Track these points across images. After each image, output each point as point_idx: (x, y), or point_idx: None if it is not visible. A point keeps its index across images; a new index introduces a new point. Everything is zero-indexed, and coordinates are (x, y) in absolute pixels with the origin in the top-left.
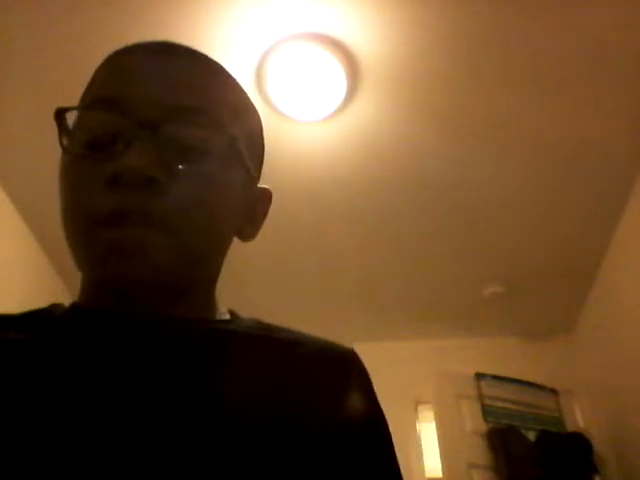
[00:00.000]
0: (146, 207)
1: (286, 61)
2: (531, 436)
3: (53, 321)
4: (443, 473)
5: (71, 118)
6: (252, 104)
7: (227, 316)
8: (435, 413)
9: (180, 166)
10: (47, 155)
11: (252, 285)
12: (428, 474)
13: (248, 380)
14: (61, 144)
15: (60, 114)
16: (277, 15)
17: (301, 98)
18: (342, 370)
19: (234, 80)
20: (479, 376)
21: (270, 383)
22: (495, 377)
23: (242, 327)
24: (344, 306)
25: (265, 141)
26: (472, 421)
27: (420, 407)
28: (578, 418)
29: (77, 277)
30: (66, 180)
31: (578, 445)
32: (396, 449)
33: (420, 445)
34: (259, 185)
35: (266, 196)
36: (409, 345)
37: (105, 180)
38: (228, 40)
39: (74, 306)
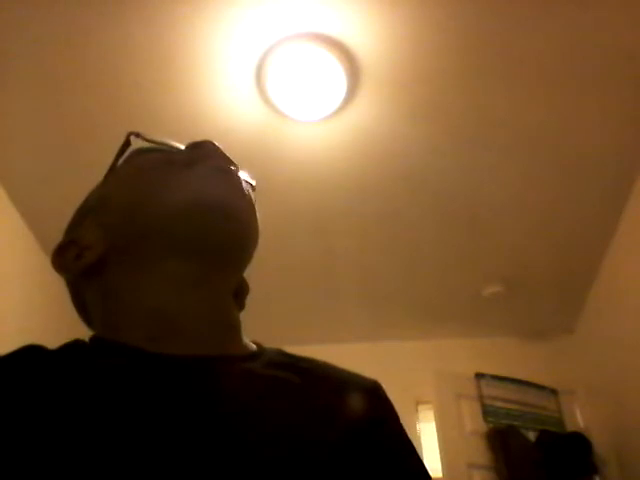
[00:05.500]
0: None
1: (286, 61)
2: (531, 436)
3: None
4: (443, 473)
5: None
6: None
7: (252, 346)
8: (435, 413)
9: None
10: (47, 155)
11: (251, 285)
12: None
13: (272, 419)
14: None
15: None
16: (277, 15)
17: (301, 98)
18: (366, 402)
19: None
20: (479, 376)
21: (293, 420)
22: (495, 377)
23: (267, 362)
24: (344, 306)
25: (265, 141)
26: (472, 421)
27: (420, 407)
28: (578, 418)
29: None
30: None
31: (578, 445)
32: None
33: (420, 445)
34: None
35: (247, 286)
36: (409, 345)
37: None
38: (228, 40)
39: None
